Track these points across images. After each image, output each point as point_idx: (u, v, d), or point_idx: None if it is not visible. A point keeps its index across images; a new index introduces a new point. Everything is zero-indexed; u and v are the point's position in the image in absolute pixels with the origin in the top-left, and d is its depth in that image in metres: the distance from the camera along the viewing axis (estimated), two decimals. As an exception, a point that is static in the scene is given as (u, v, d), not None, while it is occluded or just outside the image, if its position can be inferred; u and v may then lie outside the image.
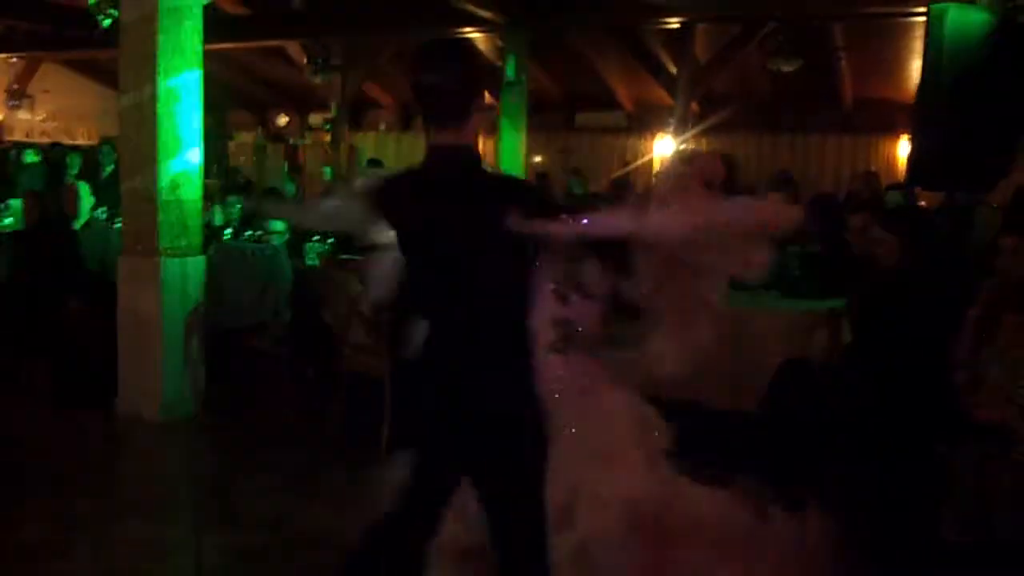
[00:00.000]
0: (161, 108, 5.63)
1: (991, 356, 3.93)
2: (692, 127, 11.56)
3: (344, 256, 6.29)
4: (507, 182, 2.82)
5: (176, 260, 5.74)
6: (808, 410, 4.20)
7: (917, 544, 3.69)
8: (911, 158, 4.75)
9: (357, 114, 15.89)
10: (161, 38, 5.60)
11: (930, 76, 4.52)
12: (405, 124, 16.26)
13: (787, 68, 11.01)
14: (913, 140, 4.75)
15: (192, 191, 5.83)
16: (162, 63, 5.62)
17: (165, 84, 5.65)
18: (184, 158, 5.77)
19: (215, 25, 6.11)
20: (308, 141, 16.89)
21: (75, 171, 10.09)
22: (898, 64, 11.02)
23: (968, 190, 4.85)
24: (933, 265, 4.32)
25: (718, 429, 4.34)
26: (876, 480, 3.82)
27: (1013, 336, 3.89)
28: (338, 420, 5.49)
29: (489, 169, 2.75)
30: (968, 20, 4.41)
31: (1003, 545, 3.72)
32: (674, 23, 10.44)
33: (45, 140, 14.16)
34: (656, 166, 12.06)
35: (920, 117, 4.64)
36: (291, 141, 16.89)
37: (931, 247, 4.39)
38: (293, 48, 13.71)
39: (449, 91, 2.37)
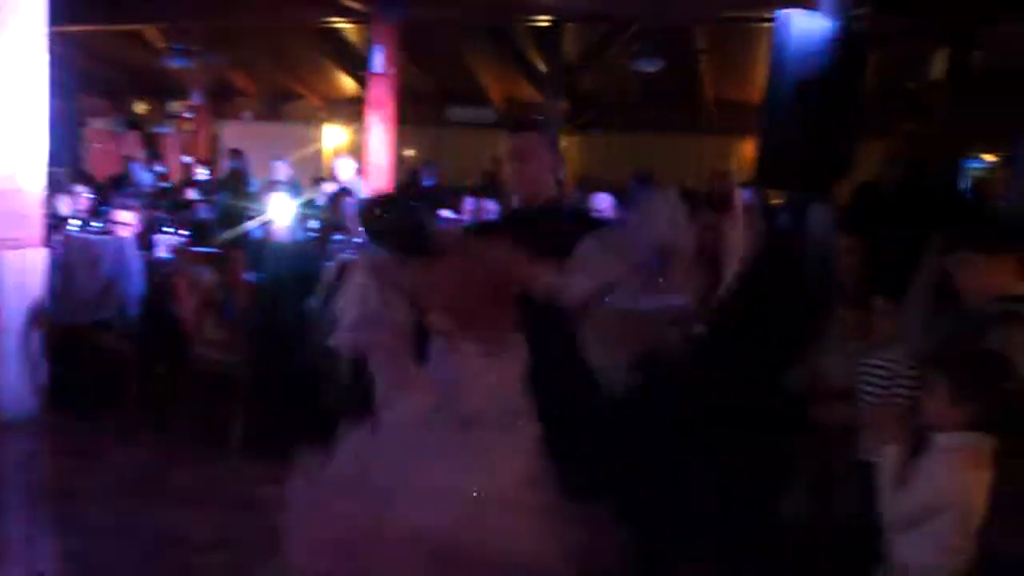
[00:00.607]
0: (-3, 93, 5.34)
1: (829, 351, 4.10)
2: (561, 125, 11.67)
3: (196, 248, 6.09)
4: None
5: (15, 252, 5.47)
6: (656, 403, 4.28)
7: (755, 524, 3.81)
8: (756, 158, 4.92)
9: (220, 102, 15.42)
10: (-5, 18, 5.31)
11: (775, 79, 4.69)
12: (271, 113, 15.87)
13: (649, 69, 11.27)
14: (759, 140, 4.92)
15: (33, 180, 5.57)
16: (-1, 46, 5.33)
17: (2, 68, 5.35)
18: (24, 146, 5.50)
19: (65, 7, 5.83)
20: (168, 129, 16.29)
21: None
22: (755, 68, 11.38)
23: (808, 189, 5.04)
24: (776, 262, 4.48)
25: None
26: (719, 472, 3.91)
27: (850, 330, 4.07)
28: (187, 417, 5.33)
29: None
30: (811, 27, 4.59)
31: (840, 522, 3.87)
32: (543, 21, 10.53)
33: None
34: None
35: (766, 118, 4.82)
36: (149, 129, 16.25)
37: (774, 244, 4.55)
38: (151, 33, 13.19)
39: None
